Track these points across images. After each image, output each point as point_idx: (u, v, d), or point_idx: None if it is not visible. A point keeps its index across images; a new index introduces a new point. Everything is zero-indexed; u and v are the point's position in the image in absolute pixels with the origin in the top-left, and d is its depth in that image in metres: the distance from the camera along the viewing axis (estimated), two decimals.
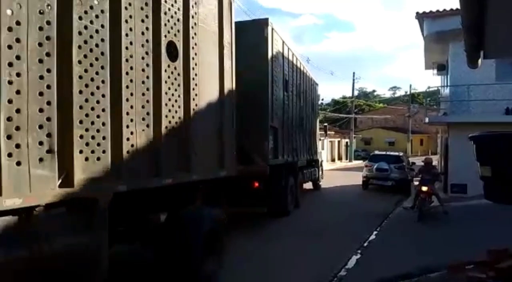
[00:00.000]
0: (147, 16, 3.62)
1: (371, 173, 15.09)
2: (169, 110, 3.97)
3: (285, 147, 9.31)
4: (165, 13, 3.90)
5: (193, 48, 4.41)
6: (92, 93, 3.00)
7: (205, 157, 4.64)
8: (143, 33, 3.57)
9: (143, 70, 3.58)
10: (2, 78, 2.37)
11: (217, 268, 4.75)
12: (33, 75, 2.56)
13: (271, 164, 8.00)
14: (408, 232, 7.87)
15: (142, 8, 3.56)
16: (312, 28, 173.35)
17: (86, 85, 2.95)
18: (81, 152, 2.90)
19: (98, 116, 3.05)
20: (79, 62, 2.89)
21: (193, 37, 4.41)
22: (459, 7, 3.20)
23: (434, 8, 12.68)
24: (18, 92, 2.46)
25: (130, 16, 3.40)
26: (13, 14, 2.43)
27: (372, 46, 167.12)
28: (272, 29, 8.12)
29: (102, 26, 3.09)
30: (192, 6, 4.39)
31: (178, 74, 4.13)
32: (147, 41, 3.62)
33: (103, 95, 3.10)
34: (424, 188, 9.08)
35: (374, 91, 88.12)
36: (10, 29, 2.42)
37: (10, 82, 2.42)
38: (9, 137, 2.42)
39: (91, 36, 2.99)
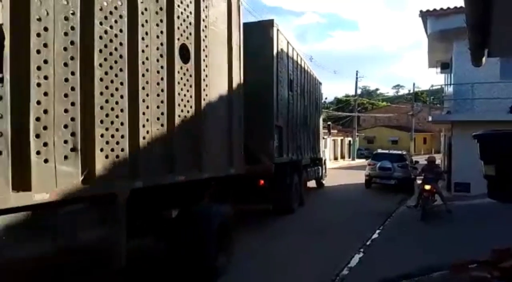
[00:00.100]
0: (161, 21, 3.78)
1: (374, 172, 15.08)
2: (182, 110, 4.14)
3: (290, 146, 9.44)
4: (178, 17, 4.06)
5: (203, 50, 4.57)
6: (112, 95, 3.16)
7: (215, 155, 4.80)
8: (158, 37, 3.73)
9: (158, 72, 3.74)
10: (32, 81, 2.54)
11: (226, 263, 4.91)
12: (59, 78, 2.72)
13: (276, 162, 8.14)
14: (411, 231, 7.87)
15: (157, 13, 3.72)
16: (315, 27, 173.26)
17: (106, 87, 3.11)
18: (101, 150, 3.07)
19: (117, 116, 3.21)
20: (100, 65, 3.06)
21: (203, 40, 4.57)
22: (463, 5, 3.18)
23: (438, 7, 12.63)
24: (45, 94, 2.63)
25: (146, 21, 3.56)
26: (41, 20, 2.60)
27: (376, 45, 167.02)
28: (277, 30, 8.25)
29: (121, 30, 3.26)
30: (203, 10, 4.55)
31: (190, 76, 4.29)
32: (161, 44, 3.78)
33: (122, 96, 3.27)
34: (427, 187, 9.07)
35: (377, 89, 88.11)
36: (38, 35, 2.58)
37: (38, 85, 2.59)
38: (37, 136, 2.58)
39: (111, 40, 3.16)
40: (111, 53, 3.16)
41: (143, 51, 3.52)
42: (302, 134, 10.94)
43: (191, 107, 4.31)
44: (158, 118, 3.75)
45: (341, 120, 43.75)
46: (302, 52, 11.54)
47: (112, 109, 3.17)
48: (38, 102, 2.58)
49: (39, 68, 2.59)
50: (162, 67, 3.80)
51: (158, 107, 3.75)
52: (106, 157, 3.11)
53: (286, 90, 9.12)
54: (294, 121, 9.97)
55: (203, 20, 4.55)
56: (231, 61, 5.37)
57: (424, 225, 8.28)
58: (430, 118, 14.19)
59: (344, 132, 37.52)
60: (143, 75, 3.53)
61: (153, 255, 5.29)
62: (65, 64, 2.76)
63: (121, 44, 3.26)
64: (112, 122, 3.17)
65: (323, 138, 16.11)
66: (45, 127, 2.63)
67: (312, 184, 14.25)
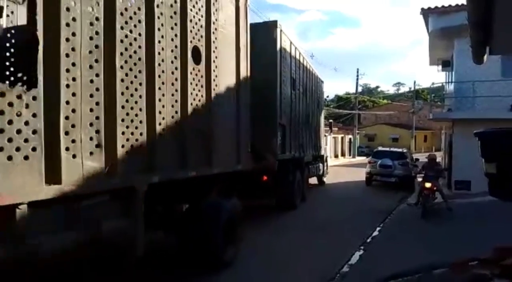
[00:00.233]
0: (176, 24, 3.98)
1: (374, 169, 15.15)
2: (194, 109, 4.35)
3: (292, 143, 9.65)
4: (191, 21, 4.26)
5: (213, 51, 4.78)
6: (132, 95, 3.38)
7: (224, 152, 5.02)
8: (172, 40, 3.94)
9: (172, 73, 3.95)
10: (62, 83, 2.75)
11: (233, 256, 5.13)
12: (85, 80, 2.93)
13: (279, 158, 8.36)
14: (412, 229, 7.86)
15: (171, 17, 3.92)
16: (317, 24, 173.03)
17: (127, 88, 3.32)
18: (122, 146, 3.29)
19: (136, 115, 3.43)
20: (121, 67, 3.27)
21: (213, 42, 4.77)
22: (465, 3, 3.24)
23: (440, 4, 12.62)
24: (73, 94, 2.84)
25: (162, 25, 3.76)
26: (70, 26, 2.80)
27: (377, 42, 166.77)
28: (281, 30, 8.44)
29: (139, 34, 3.46)
30: (213, 13, 4.75)
31: (202, 76, 4.51)
32: (176, 46, 3.99)
33: (140, 96, 3.48)
34: (428, 185, 9.07)
35: (378, 87, 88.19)
36: (67, 39, 2.79)
37: (67, 86, 2.80)
38: (66, 133, 2.80)
39: (131, 44, 3.36)
40: (131, 56, 3.37)
41: (159, 53, 3.73)
42: (304, 132, 11.15)
43: (202, 106, 4.52)
44: (172, 117, 3.96)
45: (342, 118, 43.88)
46: (304, 50, 11.67)
47: (132, 108, 3.38)
48: (67, 102, 2.79)
49: (68, 70, 2.79)
50: (176, 68, 4.01)
51: (172, 106, 3.96)
52: (127, 153, 3.33)
53: (289, 89, 9.32)
54: (297, 119, 10.17)
55: (213, 23, 4.76)
56: (239, 62, 5.57)
57: (424, 222, 8.30)
58: (431, 116, 14.19)
59: (345, 130, 37.68)
60: (159, 76, 3.74)
61: (163, 247, 5.51)
62: (90, 67, 2.97)
63: (139, 47, 3.47)
64: (132, 121, 3.38)
65: (325, 136, 16.30)
66: (73, 125, 2.84)
67: (313, 180, 14.41)
